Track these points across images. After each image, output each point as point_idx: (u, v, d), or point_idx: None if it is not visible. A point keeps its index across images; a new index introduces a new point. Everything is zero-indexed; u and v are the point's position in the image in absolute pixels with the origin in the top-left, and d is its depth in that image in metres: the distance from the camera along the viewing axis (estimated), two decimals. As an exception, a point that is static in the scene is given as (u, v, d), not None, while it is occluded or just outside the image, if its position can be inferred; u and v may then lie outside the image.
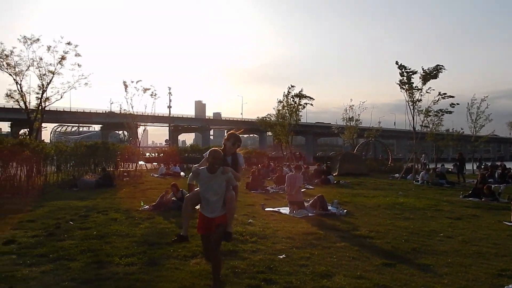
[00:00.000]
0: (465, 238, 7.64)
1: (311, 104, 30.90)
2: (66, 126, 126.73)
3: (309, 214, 9.95)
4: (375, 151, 39.75)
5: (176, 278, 5.05)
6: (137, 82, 30.09)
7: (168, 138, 62.61)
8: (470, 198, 13.73)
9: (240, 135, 5.17)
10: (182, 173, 24.40)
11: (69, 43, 29.44)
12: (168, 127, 70.80)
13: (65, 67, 29.97)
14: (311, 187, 17.40)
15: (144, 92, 30.17)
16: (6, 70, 28.44)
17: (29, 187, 14.37)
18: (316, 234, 7.78)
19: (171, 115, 63.82)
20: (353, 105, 34.66)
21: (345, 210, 10.45)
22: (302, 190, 13.24)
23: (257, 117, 39.92)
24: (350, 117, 34.76)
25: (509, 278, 5.29)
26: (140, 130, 35.63)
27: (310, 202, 10.49)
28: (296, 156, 31.82)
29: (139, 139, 34.22)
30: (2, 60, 28.16)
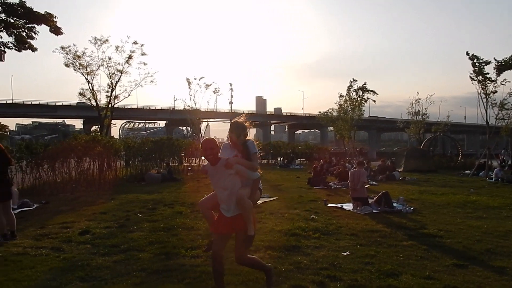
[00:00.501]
0: (546, 240, 7.09)
1: (374, 101, 30.14)
2: (133, 123, 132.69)
3: (374, 211, 9.70)
4: (443, 147, 38.04)
5: (240, 272, 5.10)
6: (200, 79, 30.92)
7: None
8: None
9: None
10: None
11: (135, 43, 30.81)
12: (229, 123, 72.03)
13: (132, 66, 31.46)
14: (375, 183, 16.97)
15: (206, 89, 30.96)
16: (79, 70, 30.26)
17: (101, 181, 15.18)
18: (381, 231, 7.57)
19: (232, 111, 64.77)
20: (419, 99, 33.41)
21: (411, 208, 10.07)
22: (366, 186, 12.93)
23: (319, 112, 39.59)
24: (416, 111, 33.53)
25: None
26: (203, 126, 36.55)
27: (374, 198, 10.22)
28: (361, 152, 31.19)
29: (202, 135, 35.09)
30: (75, 60, 29.99)
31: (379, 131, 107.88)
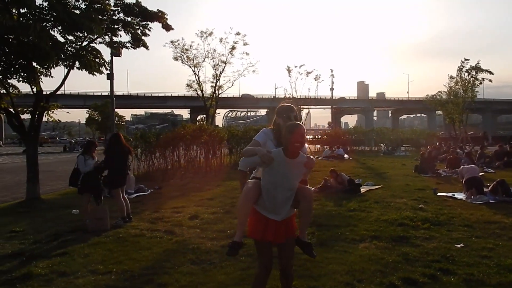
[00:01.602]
0: None
1: (490, 81, 27.58)
2: (236, 112, 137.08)
3: (490, 201, 8.93)
4: None
5: (346, 261, 5.04)
6: (300, 66, 30.87)
7: (330, 121, 62.72)
8: None
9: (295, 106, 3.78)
10: (346, 156, 24.26)
11: (238, 33, 31.60)
12: (330, 110, 70.91)
13: (235, 57, 32.35)
14: (491, 170, 15.62)
15: (307, 76, 30.81)
16: (186, 63, 31.94)
17: (207, 168, 15.95)
18: (500, 223, 6.95)
19: (333, 97, 63.67)
20: (544, 76, 29.89)
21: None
22: (481, 174, 11.95)
23: (426, 95, 37.30)
24: (540, 90, 30.09)
25: None
26: (304, 113, 36.46)
27: (490, 187, 9.39)
28: (484, 136, 28.87)
29: (303, 122, 35.06)
30: (183, 54, 31.69)
31: (495, 114, 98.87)
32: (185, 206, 8.94)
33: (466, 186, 9.57)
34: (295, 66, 30.95)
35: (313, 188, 10.61)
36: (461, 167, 10.87)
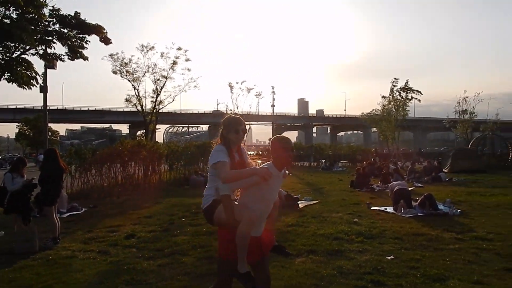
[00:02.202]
0: None
1: (419, 100, 29.35)
2: (177, 127, 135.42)
3: (419, 214, 9.45)
4: (492, 146, 36.46)
5: (282, 276, 5.12)
6: (241, 83, 31.23)
7: (271, 137, 63.70)
8: None
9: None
10: (286, 172, 24.63)
11: (179, 49, 31.47)
12: (271, 126, 72.01)
13: (176, 72, 32.13)
14: (420, 185, 16.52)
15: (248, 92, 31.24)
16: (125, 77, 31.29)
17: (145, 185, 15.61)
18: (426, 235, 7.37)
19: (274, 114, 64.74)
20: (467, 97, 32.24)
21: (459, 210, 9.73)
22: (411, 188, 12.63)
23: (362, 113, 38.98)
24: (464, 109, 32.37)
25: None
26: (245, 129, 36.81)
27: (418, 201, 9.94)
28: (419, 152, 30.40)
29: (245, 138, 35.33)
30: (122, 67, 31.05)
31: (424, 131, 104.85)
32: (121, 224, 8.69)
33: (394, 199, 10.08)
34: (237, 83, 31.32)
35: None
36: (392, 183, 11.43)
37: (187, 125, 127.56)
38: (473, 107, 32.48)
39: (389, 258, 5.90)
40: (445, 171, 21.31)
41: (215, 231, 7.66)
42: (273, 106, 54.50)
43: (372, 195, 13.42)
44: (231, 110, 31.88)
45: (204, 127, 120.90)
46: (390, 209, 10.12)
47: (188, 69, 31.91)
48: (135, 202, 12.30)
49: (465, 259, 5.81)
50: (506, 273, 5.23)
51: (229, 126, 3.50)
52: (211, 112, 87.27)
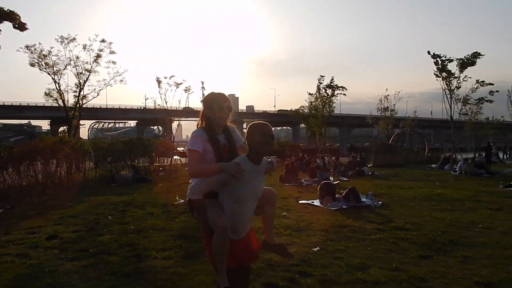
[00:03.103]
0: (505, 229, 7.40)
1: (344, 94, 30.52)
2: (103, 123, 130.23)
3: (343, 206, 9.87)
4: (411, 142, 38.95)
5: (212, 271, 5.09)
6: (170, 77, 30.62)
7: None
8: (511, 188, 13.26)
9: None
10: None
11: (103, 41, 30.17)
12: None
13: (101, 65, 30.78)
14: (345, 179, 17.25)
15: (177, 87, 30.69)
16: (44, 69, 29.47)
17: (69, 184, 14.89)
18: (350, 226, 7.73)
19: (204, 109, 64.45)
20: (388, 95, 34.09)
21: (380, 202, 10.31)
22: (336, 182, 13.18)
23: (290, 109, 39.81)
24: (385, 107, 34.19)
25: (553, 271, 5.11)
26: (175, 125, 36.24)
27: (343, 194, 10.40)
28: (352, 147, 31.64)
29: (174, 134, 34.80)
30: (41, 60, 29.19)
31: (349, 127, 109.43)
32: (42, 225, 8.21)
33: (320, 193, 10.47)
34: (165, 77, 30.64)
35: (182, 200, 10.60)
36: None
37: (113, 121, 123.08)
38: (394, 105, 34.46)
39: (315, 249, 6.12)
40: (368, 165, 22.41)
41: (143, 229, 7.55)
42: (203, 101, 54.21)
43: (300, 189, 13.81)
44: (159, 105, 31.16)
45: (132, 123, 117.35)
46: (317, 202, 10.47)
47: (113, 62, 30.71)
48: (58, 201, 11.68)
49: (385, 248, 6.18)
50: (421, 259, 5.63)
51: (210, 104, 3.08)
52: (139, 108, 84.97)
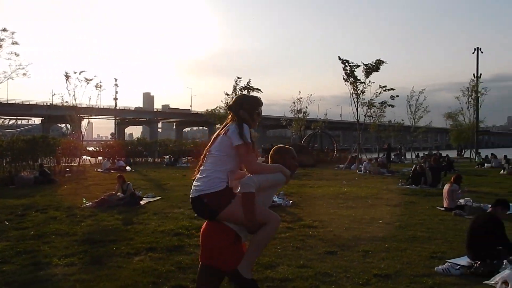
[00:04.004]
0: (402, 224, 8.01)
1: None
2: (2, 119, 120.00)
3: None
4: (321, 142, 40.65)
5: (119, 277, 4.94)
6: (80, 73, 28.95)
7: (114, 132, 60.78)
8: (408, 186, 14.36)
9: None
10: (128, 168, 23.85)
11: (4, 30, 27.76)
12: (114, 120, 68.77)
13: (1, 56, 28.29)
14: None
15: (87, 83, 29.09)
16: None
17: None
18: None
19: (117, 108, 61.88)
20: (301, 98, 35.18)
21: (290, 201, 10.62)
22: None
23: (206, 110, 39.62)
24: (298, 109, 35.27)
25: (440, 260, 5.61)
26: (84, 123, 34.36)
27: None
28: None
29: (83, 133, 33.03)
30: None
31: (264, 128, 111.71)
32: None
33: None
34: (75, 72, 28.91)
35: (90, 203, 10.11)
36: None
37: (15, 117, 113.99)
38: (306, 107, 35.62)
39: (226, 250, 6.14)
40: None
41: (44, 234, 7.05)
42: (115, 99, 52.16)
43: (214, 190, 13.77)
44: (67, 102, 29.36)
45: (37, 120, 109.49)
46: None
47: (16, 54, 28.36)
48: None
49: (294, 246, 6.37)
50: (327, 255, 5.89)
51: (254, 106, 3.16)
52: (46, 104, 79.52)
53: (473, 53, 36.32)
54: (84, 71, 28.81)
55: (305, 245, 6.45)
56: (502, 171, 20.23)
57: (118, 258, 5.73)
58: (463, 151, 40.56)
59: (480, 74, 34.18)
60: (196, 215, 8.40)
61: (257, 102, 3.21)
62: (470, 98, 33.55)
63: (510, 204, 7.46)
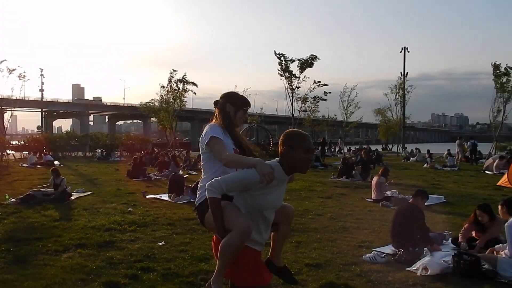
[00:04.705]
0: (333, 215, 8.33)
1: (194, 93, 30.78)
2: None
3: (191, 199, 9.96)
4: (257, 136, 41.07)
5: (45, 275, 4.72)
6: (1, 62, 27.08)
7: (40, 125, 57.60)
8: (339, 179, 14.92)
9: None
10: (56, 162, 22.72)
11: None
12: (40, 112, 65.05)
13: None
14: (194, 172, 17.43)
15: (10, 73, 27.27)
16: None
17: None
18: (197, 219, 7.78)
19: (44, 99, 58.62)
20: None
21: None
22: (186, 176, 13.24)
23: (140, 102, 38.63)
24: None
25: (367, 248, 5.91)
26: (7, 115, 32.23)
27: (192, 186, 10.50)
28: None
29: (6, 126, 30.97)
30: None
31: (201, 122, 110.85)
32: None
33: (169, 187, 10.43)
34: (-5, 62, 26.95)
35: (13, 200, 9.56)
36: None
37: None
38: (242, 100, 35.77)
39: (160, 244, 6.07)
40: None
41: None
42: (42, 90, 49.46)
43: (148, 184, 13.54)
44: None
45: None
46: (165, 197, 10.39)
47: None
48: None
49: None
50: (260, 247, 5.99)
51: (238, 102, 3.00)
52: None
53: (400, 52, 38.23)
54: (5, 60, 26.98)
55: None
56: (425, 165, 21.53)
57: (44, 256, 5.47)
58: (387, 146, 42.72)
59: (407, 73, 36.01)
60: (129, 209, 8.20)
61: (246, 101, 3.08)
62: (397, 95, 35.29)
63: (431, 196, 8.01)
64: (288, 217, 2.94)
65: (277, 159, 2.72)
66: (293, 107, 24.82)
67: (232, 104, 2.98)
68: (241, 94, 3.14)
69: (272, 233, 2.94)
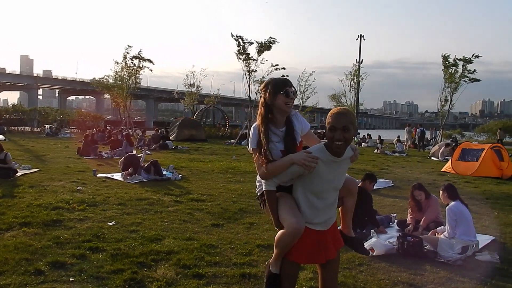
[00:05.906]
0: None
1: (151, 70, 30.07)
2: None
3: (144, 180, 9.82)
4: (214, 118, 40.83)
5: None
6: None
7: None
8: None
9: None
10: (1, 137, 21.68)
11: None
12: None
13: None
14: (149, 152, 17.13)
15: None
16: None
17: None
18: (149, 199, 7.75)
19: (-12, 70, 55.37)
20: (194, 71, 34.70)
21: (180, 175, 10.58)
22: (140, 155, 12.98)
23: (93, 78, 37.36)
24: (192, 83, 34.81)
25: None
26: None
27: (144, 166, 10.33)
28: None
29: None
30: None
31: (157, 101, 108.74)
32: None
33: (122, 166, 10.22)
34: None
35: None
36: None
37: None
38: (200, 81, 35.29)
39: (110, 224, 5.96)
40: (172, 139, 22.71)
41: None
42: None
43: (100, 162, 13.20)
44: None
45: None
46: (117, 176, 10.16)
47: None
48: None
49: (181, 219, 6.39)
50: (213, 228, 6.01)
51: (273, 88, 2.77)
52: None
53: (356, 39, 38.91)
54: None
55: (192, 218, 6.50)
56: (375, 150, 22.22)
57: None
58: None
59: (362, 60, 36.79)
60: (78, 188, 8.03)
61: (283, 82, 2.84)
62: (352, 81, 35.94)
63: (379, 180, 8.26)
64: (352, 191, 2.96)
65: (324, 143, 2.73)
66: (250, 90, 24.82)
67: (267, 92, 2.82)
68: (275, 77, 2.95)
69: (339, 208, 3.03)
